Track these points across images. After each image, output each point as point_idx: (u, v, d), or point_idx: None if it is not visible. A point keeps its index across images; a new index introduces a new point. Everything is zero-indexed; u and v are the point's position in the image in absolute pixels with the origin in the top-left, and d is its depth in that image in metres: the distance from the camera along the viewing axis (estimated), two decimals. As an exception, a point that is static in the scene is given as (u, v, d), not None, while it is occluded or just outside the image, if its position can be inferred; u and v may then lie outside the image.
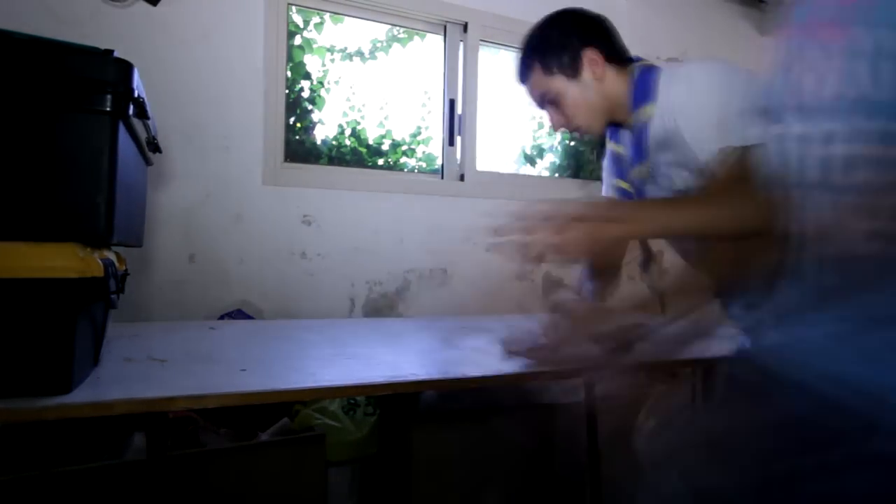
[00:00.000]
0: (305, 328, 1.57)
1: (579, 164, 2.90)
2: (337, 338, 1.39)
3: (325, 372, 1.02)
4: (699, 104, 1.02)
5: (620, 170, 1.25)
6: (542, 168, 2.84)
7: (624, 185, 1.24)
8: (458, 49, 2.52)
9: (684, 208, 0.92)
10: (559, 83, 1.17)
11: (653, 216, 0.90)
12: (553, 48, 1.17)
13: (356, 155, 2.42)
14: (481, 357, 1.22)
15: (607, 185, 1.38)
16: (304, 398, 0.94)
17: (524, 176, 2.76)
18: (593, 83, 1.16)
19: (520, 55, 1.22)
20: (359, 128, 2.42)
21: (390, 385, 0.96)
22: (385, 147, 2.49)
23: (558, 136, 2.87)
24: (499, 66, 2.70)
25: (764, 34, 3.28)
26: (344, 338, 1.39)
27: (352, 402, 1.87)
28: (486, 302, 2.44)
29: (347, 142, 2.42)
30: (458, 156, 2.52)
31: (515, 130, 2.77)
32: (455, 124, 2.50)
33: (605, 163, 1.38)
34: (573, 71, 1.16)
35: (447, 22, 2.49)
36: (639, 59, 1.20)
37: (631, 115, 1.15)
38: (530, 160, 2.80)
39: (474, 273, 2.47)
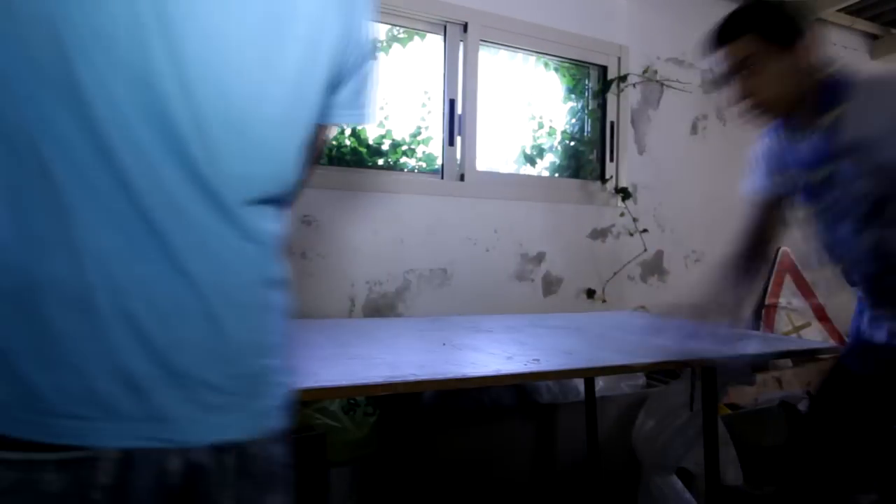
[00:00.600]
0: (305, 328, 1.57)
1: (579, 164, 2.90)
2: (337, 338, 1.39)
3: (325, 372, 1.03)
4: None
5: (780, 165, 1.27)
6: (542, 168, 2.84)
7: (787, 177, 1.25)
8: (458, 49, 2.52)
9: None
10: (771, 52, 1.13)
11: None
12: (780, 19, 1.15)
13: (356, 155, 2.42)
14: (481, 357, 1.22)
15: (761, 178, 1.36)
16: (304, 398, 0.94)
17: (524, 176, 2.76)
18: (799, 67, 1.14)
19: (734, 17, 1.19)
20: (358, 128, 2.42)
21: (390, 385, 0.96)
22: (385, 147, 2.49)
23: (558, 135, 2.87)
24: (499, 66, 2.70)
25: (764, 34, 3.28)
26: (344, 338, 1.39)
27: (352, 402, 1.87)
28: (486, 302, 2.45)
29: (347, 142, 2.41)
30: (458, 156, 2.52)
31: (515, 130, 2.77)
32: (455, 124, 2.50)
33: (757, 156, 1.37)
34: (789, 45, 1.14)
35: (447, 22, 2.49)
36: (831, 64, 1.18)
37: (816, 116, 1.15)
38: (530, 160, 2.80)
39: (474, 273, 2.47)
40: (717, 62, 1.21)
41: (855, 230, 1.17)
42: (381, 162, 2.48)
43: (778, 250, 3.30)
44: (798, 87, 1.15)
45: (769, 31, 1.14)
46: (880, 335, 1.22)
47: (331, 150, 2.38)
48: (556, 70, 2.87)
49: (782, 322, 3.22)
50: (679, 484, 1.72)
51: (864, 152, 1.08)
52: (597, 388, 1.98)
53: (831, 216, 1.20)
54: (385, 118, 2.47)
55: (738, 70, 1.17)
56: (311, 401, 1.79)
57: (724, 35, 1.19)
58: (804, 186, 1.22)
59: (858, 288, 1.29)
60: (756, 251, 1.38)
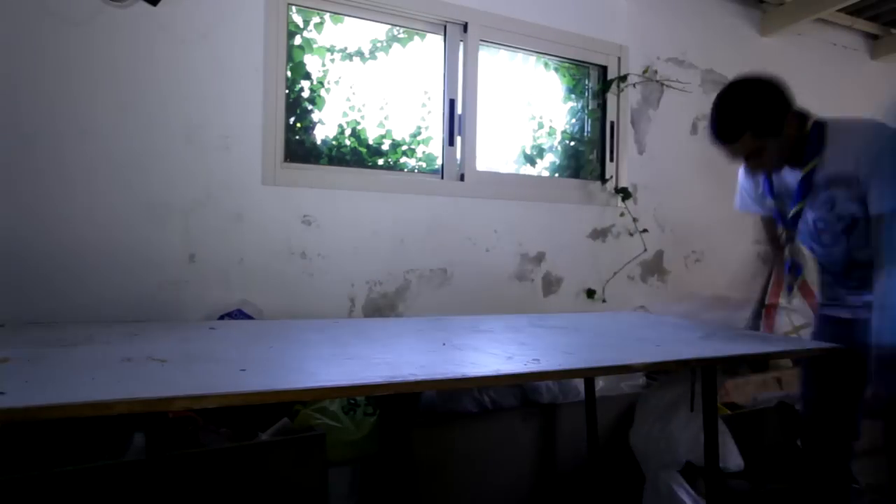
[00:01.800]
0: (305, 328, 1.57)
1: (579, 165, 2.90)
2: (337, 338, 1.39)
3: (325, 372, 1.02)
4: (872, 154, 1.38)
5: (771, 191, 1.61)
6: (542, 168, 2.84)
7: (777, 204, 1.61)
8: (458, 49, 2.52)
9: None
10: (766, 142, 1.43)
11: None
12: (765, 116, 1.42)
13: (356, 155, 2.42)
14: (481, 357, 1.22)
15: (754, 201, 1.73)
16: (304, 398, 0.94)
17: (524, 176, 2.76)
18: (789, 137, 1.45)
19: (726, 120, 1.45)
20: (359, 128, 2.42)
21: (390, 385, 0.96)
22: (385, 147, 2.49)
23: (558, 135, 2.87)
24: (499, 66, 2.70)
25: (764, 34, 3.28)
26: (344, 338, 1.39)
27: (352, 402, 1.87)
28: (486, 302, 2.44)
29: (347, 142, 2.41)
30: (458, 156, 2.52)
31: (515, 130, 2.77)
32: (455, 124, 2.50)
33: (749, 184, 1.72)
34: (777, 130, 1.43)
35: (447, 22, 2.49)
36: (807, 116, 1.50)
37: (803, 162, 1.48)
38: (530, 160, 2.80)
39: (474, 273, 2.47)
40: (725, 153, 1.49)
41: (831, 242, 1.52)
42: (381, 162, 2.48)
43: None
44: (790, 148, 1.48)
45: (761, 131, 1.41)
46: (845, 313, 1.58)
47: (331, 149, 2.38)
48: (556, 70, 2.87)
49: (782, 322, 3.22)
50: (684, 482, 1.72)
51: (846, 184, 1.42)
52: (597, 388, 1.98)
53: (816, 230, 1.54)
54: (385, 118, 2.47)
55: (745, 158, 1.48)
56: (311, 401, 1.80)
57: (725, 138, 1.46)
58: (792, 215, 1.55)
59: (830, 276, 1.63)
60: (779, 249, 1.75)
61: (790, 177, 1.55)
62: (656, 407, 1.80)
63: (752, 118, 1.41)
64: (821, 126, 1.47)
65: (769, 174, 1.60)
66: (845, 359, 1.49)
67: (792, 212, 1.55)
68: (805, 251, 1.66)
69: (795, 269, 1.65)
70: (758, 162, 1.49)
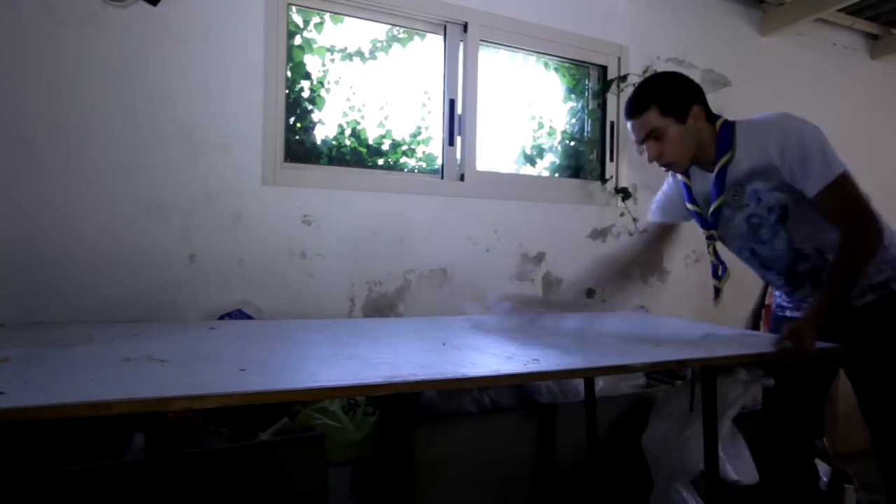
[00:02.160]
0: (305, 328, 1.57)
1: (579, 164, 2.90)
2: (337, 338, 1.39)
3: (325, 372, 1.02)
4: (789, 143, 1.39)
5: (690, 197, 1.63)
6: (542, 168, 2.84)
7: (695, 207, 1.63)
8: (458, 49, 2.52)
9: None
10: (668, 124, 1.48)
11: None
12: (672, 96, 1.49)
13: (356, 155, 2.42)
14: (481, 357, 1.22)
15: (669, 207, 1.76)
16: (304, 398, 0.94)
17: (524, 176, 2.76)
18: (692, 130, 1.49)
19: (639, 94, 1.51)
20: (359, 128, 2.42)
21: (390, 385, 0.96)
22: (385, 147, 2.49)
23: (558, 135, 2.87)
24: (499, 66, 2.70)
25: (764, 34, 3.28)
26: (344, 338, 1.39)
27: (352, 402, 1.87)
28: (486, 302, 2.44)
29: (347, 142, 2.41)
30: (458, 156, 2.52)
31: (515, 130, 2.77)
32: (455, 124, 2.50)
33: (668, 190, 1.76)
34: (681, 117, 1.48)
35: (447, 22, 2.49)
36: (718, 117, 1.53)
37: (714, 160, 1.51)
38: (530, 160, 2.80)
39: (474, 273, 2.47)
40: (632, 130, 1.54)
41: (770, 236, 1.51)
42: (381, 162, 2.48)
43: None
44: (695, 145, 1.51)
45: (666, 109, 1.47)
46: (800, 313, 1.56)
47: (331, 149, 2.38)
48: (556, 70, 2.87)
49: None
50: (695, 493, 1.71)
51: (764, 176, 1.44)
52: (597, 388, 1.98)
53: (750, 228, 1.53)
54: (385, 118, 2.47)
55: (645, 139, 1.51)
56: (311, 401, 1.80)
57: (633, 110, 1.51)
58: (712, 212, 1.56)
59: (774, 283, 1.64)
60: (639, 261, 1.83)
61: (704, 182, 1.57)
62: (672, 412, 1.79)
63: (659, 94, 1.48)
64: (730, 125, 1.51)
65: (678, 170, 1.59)
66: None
67: (711, 208, 1.56)
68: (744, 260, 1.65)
69: (721, 269, 1.65)
70: (658, 148, 1.50)
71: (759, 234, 1.53)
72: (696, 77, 3.04)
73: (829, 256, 1.45)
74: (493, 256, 2.52)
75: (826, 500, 2.12)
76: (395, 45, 2.47)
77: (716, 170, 1.51)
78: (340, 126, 2.39)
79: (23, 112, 1.78)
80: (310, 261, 2.17)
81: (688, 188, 1.64)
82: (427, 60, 2.53)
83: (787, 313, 1.64)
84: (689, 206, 1.65)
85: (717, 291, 1.65)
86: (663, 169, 1.59)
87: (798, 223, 1.46)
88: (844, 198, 1.37)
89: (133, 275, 1.91)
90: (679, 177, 1.66)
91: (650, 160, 1.55)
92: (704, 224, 1.63)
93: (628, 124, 1.55)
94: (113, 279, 1.88)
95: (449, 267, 2.43)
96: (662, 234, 1.81)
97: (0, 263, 1.76)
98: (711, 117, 1.54)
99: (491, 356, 1.23)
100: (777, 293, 1.70)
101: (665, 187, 1.78)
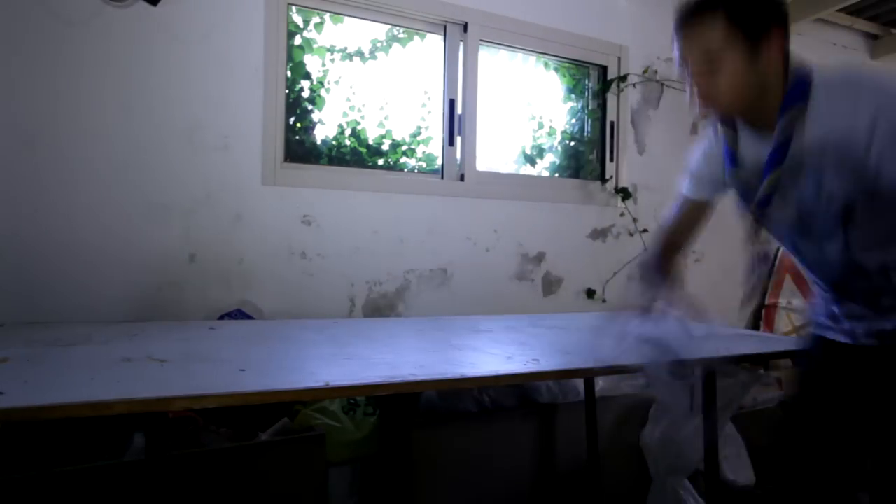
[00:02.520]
0: (305, 328, 1.57)
1: (579, 164, 2.90)
2: (337, 338, 1.39)
3: (325, 372, 1.02)
4: (887, 114, 0.97)
5: (733, 161, 1.20)
6: (542, 168, 2.84)
7: (740, 178, 1.20)
8: (458, 49, 2.52)
9: None
10: (735, 43, 1.04)
11: None
12: (749, 4, 1.05)
13: (356, 155, 2.42)
14: (481, 357, 1.22)
15: (707, 178, 1.31)
16: (304, 398, 0.94)
17: (524, 176, 2.76)
18: (763, 63, 1.06)
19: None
20: (359, 128, 2.42)
21: (390, 385, 0.96)
22: (385, 147, 2.49)
23: (558, 135, 2.87)
24: (499, 66, 2.70)
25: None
26: (344, 338, 1.39)
27: (352, 402, 1.87)
28: (486, 302, 2.44)
29: (347, 142, 2.41)
30: (458, 156, 2.52)
31: (515, 130, 2.77)
32: (455, 124, 2.50)
33: (707, 153, 1.29)
34: (755, 39, 1.04)
35: (447, 22, 2.49)
36: (795, 60, 1.11)
37: (777, 117, 1.08)
38: (530, 160, 2.80)
39: (474, 273, 2.47)
40: (681, 47, 1.09)
41: (823, 234, 1.13)
42: (381, 162, 2.47)
43: (778, 250, 3.30)
44: (759, 90, 1.08)
45: (738, 23, 1.04)
46: (842, 337, 1.21)
47: (331, 149, 2.38)
48: (556, 70, 2.87)
49: (782, 322, 3.22)
50: (692, 489, 1.71)
51: (844, 153, 1.01)
52: (597, 388, 1.98)
53: (798, 217, 1.14)
54: (385, 118, 2.47)
55: (700, 61, 1.07)
56: (311, 401, 1.80)
57: (690, 19, 1.08)
58: (765, 189, 1.14)
59: (819, 286, 1.26)
60: (677, 247, 1.41)
61: (757, 145, 1.15)
62: (671, 411, 1.79)
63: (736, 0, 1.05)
64: (807, 72, 1.08)
65: (724, 117, 1.18)
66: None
67: (764, 185, 1.13)
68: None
69: (764, 261, 1.30)
70: (710, 83, 1.07)
71: (810, 227, 1.13)
72: (696, 77, 3.05)
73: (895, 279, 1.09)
74: (493, 256, 2.52)
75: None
76: (395, 45, 2.47)
77: (776, 132, 1.08)
78: (340, 126, 2.39)
79: (23, 112, 1.78)
80: (310, 261, 2.17)
81: (731, 151, 1.20)
82: (427, 60, 2.53)
83: (830, 335, 1.24)
84: (729, 174, 1.22)
85: (762, 290, 1.17)
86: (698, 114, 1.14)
87: (865, 227, 1.08)
88: None
89: (133, 275, 1.91)
90: (721, 133, 1.22)
91: (696, 97, 1.10)
92: (748, 201, 1.19)
93: (676, 40, 1.10)
94: (113, 279, 1.88)
95: (449, 267, 2.43)
96: (695, 213, 1.37)
97: (0, 263, 1.76)
98: (787, 55, 1.09)
99: (491, 356, 1.23)
100: (818, 295, 1.29)
101: (699, 150, 1.32)
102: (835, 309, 1.22)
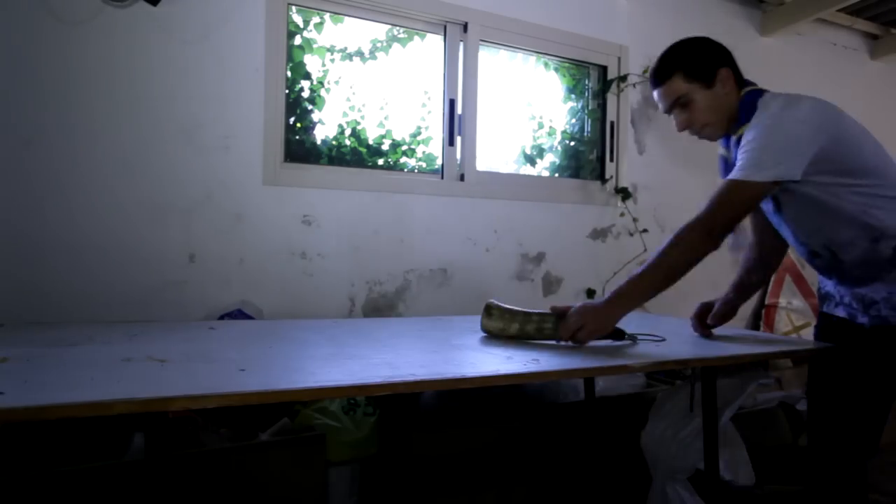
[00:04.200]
0: (305, 328, 1.57)
1: (579, 165, 2.90)
2: (337, 338, 1.39)
3: (325, 372, 1.02)
4: (767, 126, 1.28)
5: (725, 170, 1.48)
6: (542, 168, 2.84)
7: None
8: (458, 49, 2.52)
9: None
10: (694, 89, 1.39)
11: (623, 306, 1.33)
12: (697, 60, 1.40)
13: (356, 155, 2.42)
14: (481, 357, 1.22)
15: None
16: (304, 398, 0.94)
17: (524, 176, 2.76)
18: (721, 95, 1.39)
19: (662, 61, 1.44)
20: (359, 128, 2.42)
21: (390, 385, 0.96)
22: (385, 147, 2.49)
23: (558, 135, 2.87)
24: (499, 66, 2.70)
25: (764, 34, 3.28)
26: (344, 338, 1.39)
27: (352, 402, 1.87)
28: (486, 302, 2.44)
29: (347, 142, 2.41)
30: (458, 156, 2.52)
31: (515, 130, 2.77)
32: (455, 124, 2.50)
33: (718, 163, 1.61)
34: (708, 81, 1.39)
35: (447, 22, 2.49)
36: (749, 84, 1.42)
37: (737, 129, 1.39)
38: (530, 160, 2.80)
39: (474, 273, 2.47)
40: (658, 99, 1.46)
41: (777, 224, 1.45)
42: (381, 162, 2.48)
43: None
44: (725, 112, 1.40)
45: (691, 74, 1.38)
46: (839, 311, 1.44)
47: (331, 149, 2.38)
48: (556, 70, 2.87)
49: (782, 322, 3.22)
50: (692, 490, 1.71)
51: None
52: (597, 388, 1.98)
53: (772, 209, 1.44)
54: (385, 118, 2.47)
55: (672, 107, 1.43)
56: (311, 401, 1.80)
57: (658, 78, 1.44)
58: None
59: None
60: (765, 249, 1.62)
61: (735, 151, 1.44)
62: (671, 410, 1.79)
63: (683, 58, 1.40)
64: (756, 94, 1.38)
65: (714, 137, 1.47)
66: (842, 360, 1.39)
67: None
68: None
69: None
70: (686, 117, 1.41)
71: (774, 219, 1.45)
72: (696, 77, 3.05)
73: (843, 258, 1.34)
74: (493, 256, 2.52)
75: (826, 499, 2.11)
76: (395, 45, 2.47)
77: (732, 141, 1.42)
78: (340, 126, 2.39)
79: (22, 112, 1.78)
80: (310, 261, 2.17)
81: (725, 161, 1.50)
82: (427, 60, 2.53)
83: (825, 308, 1.50)
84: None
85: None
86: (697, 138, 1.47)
87: (797, 216, 1.37)
88: (721, 195, 1.29)
89: (133, 275, 1.91)
90: (720, 149, 1.53)
91: (679, 129, 1.46)
92: None
93: (654, 94, 1.46)
94: (113, 279, 1.88)
95: (449, 267, 2.43)
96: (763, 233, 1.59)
97: (0, 263, 1.76)
98: (742, 83, 1.42)
99: (491, 356, 1.23)
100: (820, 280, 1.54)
101: (723, 166, 1.58)
102: (829, 288, 1.48)
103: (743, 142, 1.31)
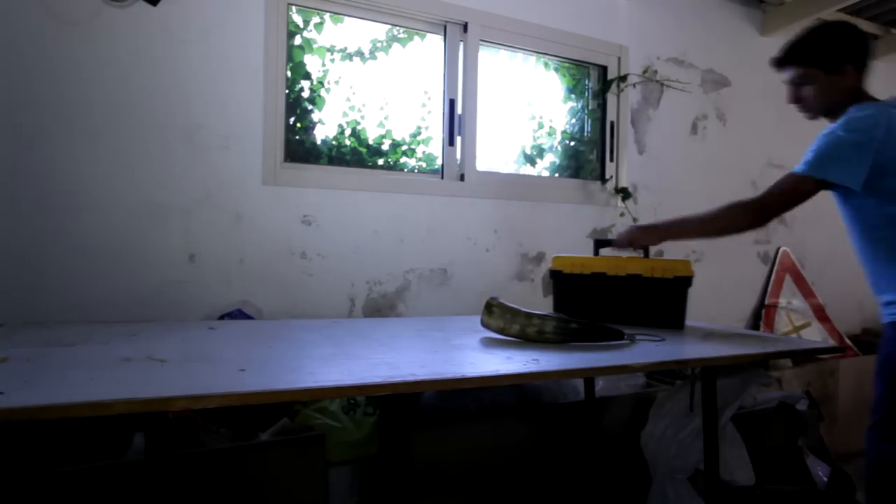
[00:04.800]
0: (305, 328, 1.57)
1: (579, 164, 2.90)
2: (337, 338, 1.39)
3: (324, 372, 1.03)
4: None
5: None
6: (542, 168, 2.84)
7: None
8: (458, 49, 2.52)
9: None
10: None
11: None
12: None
13: (356, 155, 2.42)
14: (481, 357, 1.22)
15: None
16: (303, 398, 0.94)
17: (524, 176, 2.76)
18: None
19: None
20: (359, 128, 2.42)
21: (390, 385, 0.96)
22: (385, 147, 2.49)
23: (558, 135, 2.87)
24: (499, 66, 2.70)
25: (764, 34, 3.28)
26: (344, 338, 1.39)
27: (352, 402, 1.87)
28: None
29: (347, 142, 2.41)
30: (458, 156, 2.52)
31: (515, 130, 2.77)
32: (455, 124, 2.50)
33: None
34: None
35: (447, 22, 2.49)
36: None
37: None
38: (530, 160, 2.80)
39: (474, 273, 2.47)
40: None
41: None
42: (381, 162, 2.48)
43: (778, 250, 3.30)
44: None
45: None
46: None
47: (331, 149, 2.38)
48: (556, 70, 2.87)
49: (782, 322, 3.22)
50: (692, 490, 1.71)
51: None
52: (597, 388, 1.98)
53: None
54: (385, 118, 2.47)
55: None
56: (310, 401, 1.80)
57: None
58: None
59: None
60: None
61: None
62: (671, 410, 1.79)
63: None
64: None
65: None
66: None
67: None
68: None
69: None
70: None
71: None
72: (695, 77, 3.05)
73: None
74: (493, 256, 2.52)
75: (826, 499, 2.12)
76: (395, 45, 2.47)
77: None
78: (340, 126, 2.39)
79: (22, 112, 1.78)
80: (310, 261, 2.17)
81: None
82: (427, 60, 2.53)
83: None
84: None
85: None
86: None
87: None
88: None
89: (133, 275, 1.91)
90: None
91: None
92: None
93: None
94: (113, 279, 1.88)
95: (449, 267, 2.43)
96: None
97: (0, 263, 1.76)
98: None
99: (491, 356, 1.23)
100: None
101: None
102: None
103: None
